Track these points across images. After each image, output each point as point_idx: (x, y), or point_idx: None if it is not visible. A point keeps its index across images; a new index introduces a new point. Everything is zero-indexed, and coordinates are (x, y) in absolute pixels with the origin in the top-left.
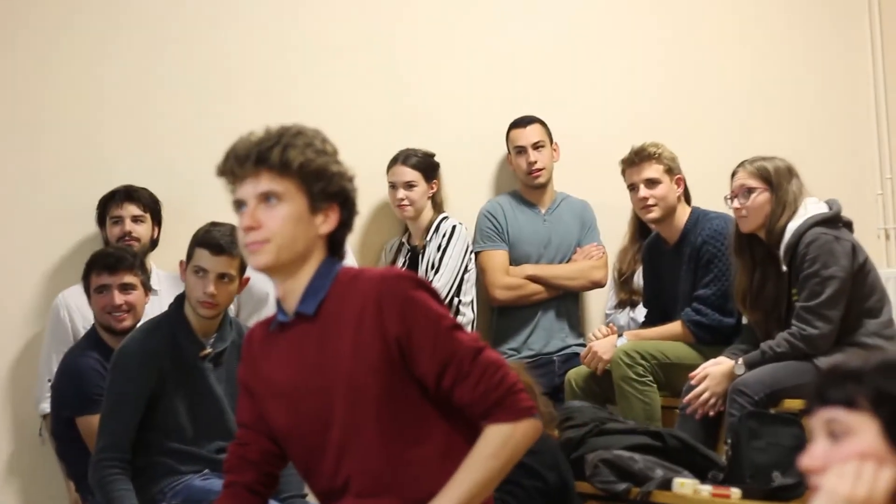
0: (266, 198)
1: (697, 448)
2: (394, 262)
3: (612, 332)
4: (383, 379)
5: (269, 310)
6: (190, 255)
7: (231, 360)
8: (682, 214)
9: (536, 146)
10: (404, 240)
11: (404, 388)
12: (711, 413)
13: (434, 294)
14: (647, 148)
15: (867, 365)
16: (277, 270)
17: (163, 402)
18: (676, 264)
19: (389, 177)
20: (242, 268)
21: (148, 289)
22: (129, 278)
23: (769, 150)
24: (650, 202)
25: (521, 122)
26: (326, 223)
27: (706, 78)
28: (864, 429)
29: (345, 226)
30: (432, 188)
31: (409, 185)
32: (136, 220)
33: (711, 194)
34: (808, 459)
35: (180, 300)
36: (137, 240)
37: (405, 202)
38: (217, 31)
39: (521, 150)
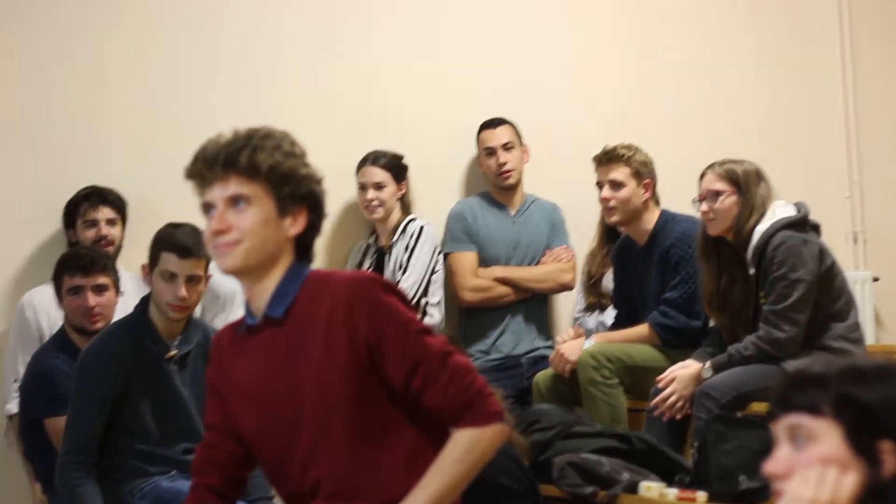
0: (235, 201)
1: (664, 451)
2: (361, 263)
3: (578, 334)
4: (352, 383)
5: (237, 310)
6: (155, 259)
7: (197, 362)
8: (651, 217)
9: (506, 147)
10: (371, 241)
11: (373, 392)
12: (678, 416)
13: (403, 298)
14: (618, 149)
15: (830, 370)
16: (246, 273)
17: (129, 404)
18: (645, 266)
19: (359, 178)
20: (207, 266)
21: (119, 289)
22: (102, 279)
23: (738, 153)
24: (611, 204)
25: (491, 124)
26: (295, 226)
27: (676, 80)
28: (827, 434)
29: (313, 228)
30: (401, 189)
31: (379, 186)
32: (110, 223)
33: (681, 196)
34: (772, 465)
35: (145, 302)
36: (112, 243)
37: (375, 203)
38: (184, 33)
39: (490, 152)
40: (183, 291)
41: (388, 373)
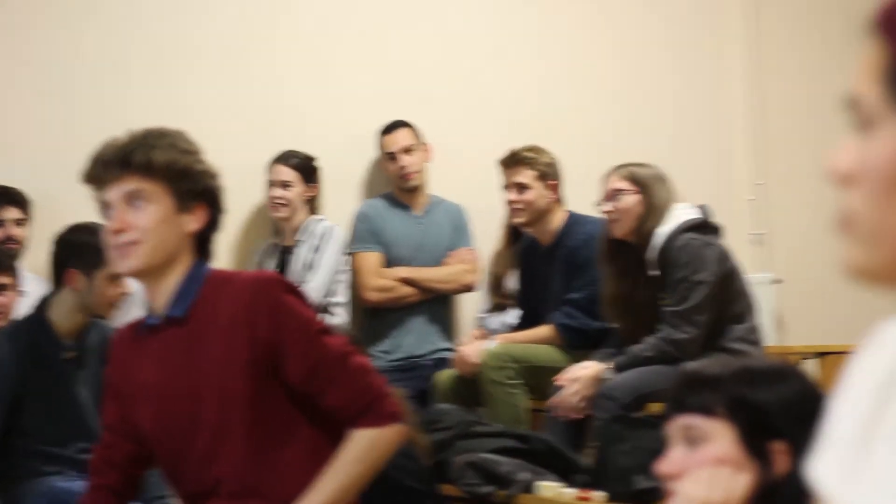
0: (133, 199)
1: (563, 451)
2: (265, 262)
3: (482, 335)
4: (252, 382)
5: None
6: (98, 264)
7: (95, 362)
8: (557, 218)
9: (406, 150)
10: (276, 241)
11: (273, 392)
12: (578, 416)
13: (303, 298)
14: (521, 153)
15: (725, 372)
16: (147, 273)
17: (25, 404)
18: (550, 267)
19: (269, 175)
20: None
21: (19, 289)
22: (3, 279)
23: (643, 157)
24: (517, 206)
25: (390, 129)
26: (194, 222)
27: (582, 84)
28: (720, 435)
29: (213, 225)
30: (310, 191)
31: (286, 185)
32: (17, 223)
33: (587, 198)
34: (665, 465)
35: (43, 302)
36: (18, 243)
37: (280, 201)
38: (94, 32)
39: (392, 156)
40: (128, 287)
41: (288, 373)
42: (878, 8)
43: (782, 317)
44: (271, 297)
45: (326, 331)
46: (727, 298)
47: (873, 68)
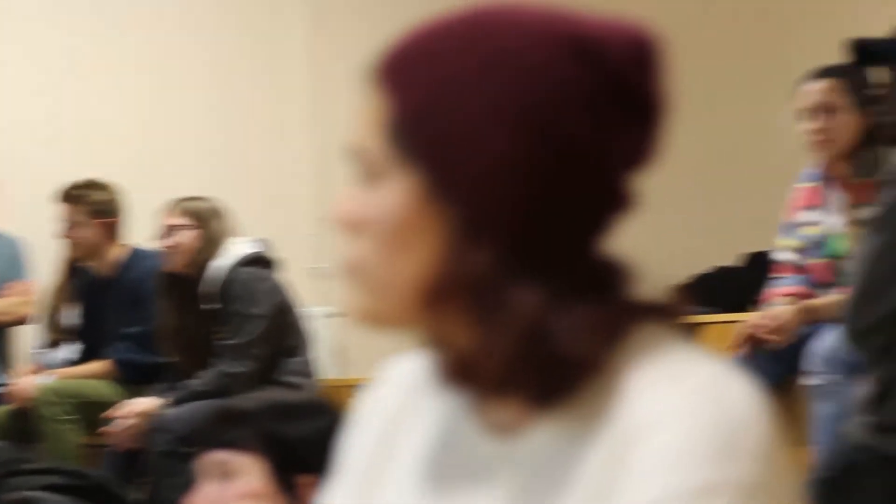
0: None
1: (114, 487)
2: None
3: (36, 370)
4: None
5: None
6: None
7: None
8: (114, 253)
9: None
10: None
11: None
12: (131, 450)
13: None
14: (72, 190)
15: (256, 407)
16: None
17: None
18: (109, 302)
19: None
20: None
21: None
22: None
23: (209, 188)
24: (69, 242)
25: None
26: None
27: (142, 120)
28: (251, 470)
29: None
30: None
31: None
32: None
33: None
34: (195, 501)
35: None
36: None
37: None
38: None
39: None
40: None
41: None
42: (378, 57)
43: (344, 349)
44: None
45: None
46: (281, 332)
47: (376, 120)
